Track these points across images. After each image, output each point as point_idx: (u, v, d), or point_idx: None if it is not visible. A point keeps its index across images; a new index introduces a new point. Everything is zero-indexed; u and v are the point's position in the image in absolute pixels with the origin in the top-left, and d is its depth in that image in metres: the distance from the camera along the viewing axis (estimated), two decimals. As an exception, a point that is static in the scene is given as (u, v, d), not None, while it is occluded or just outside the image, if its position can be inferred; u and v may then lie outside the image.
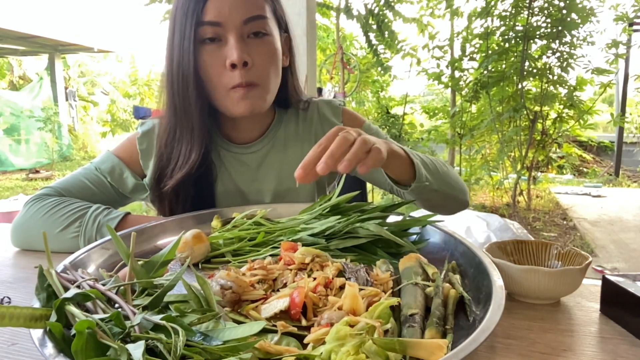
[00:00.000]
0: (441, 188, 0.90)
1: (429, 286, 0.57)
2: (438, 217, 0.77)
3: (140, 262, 0.58)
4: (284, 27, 1.00)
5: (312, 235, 0.75)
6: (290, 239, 0.75)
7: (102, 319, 0.44)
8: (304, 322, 0.52)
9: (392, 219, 0.79)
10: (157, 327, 0.43)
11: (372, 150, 0.62)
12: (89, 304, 0.49)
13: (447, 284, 0.57)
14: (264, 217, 0.85)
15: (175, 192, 0.95)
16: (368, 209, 0.79)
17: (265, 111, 0.99)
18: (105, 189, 1.00)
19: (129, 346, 0.39)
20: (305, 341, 0.47)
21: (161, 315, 0.44)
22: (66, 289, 0.50)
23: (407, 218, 0.78)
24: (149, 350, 0.42)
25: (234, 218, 0.85)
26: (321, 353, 0.43)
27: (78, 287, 0.51)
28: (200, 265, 0.75)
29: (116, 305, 0.50)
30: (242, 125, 1.03)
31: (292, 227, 0.80)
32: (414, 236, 0.76)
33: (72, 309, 0.46)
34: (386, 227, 0.74)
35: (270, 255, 0.73)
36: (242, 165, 1.03)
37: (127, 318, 0.46)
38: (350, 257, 0.70)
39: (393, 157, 0.74)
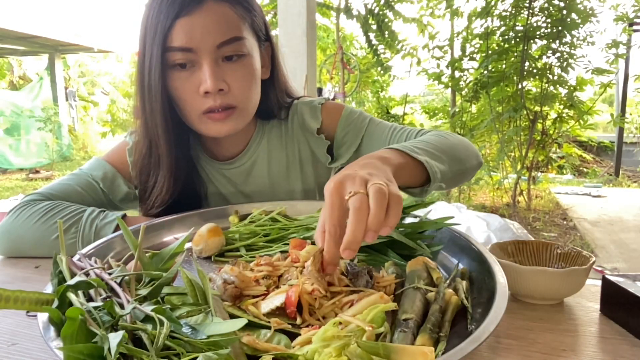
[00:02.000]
0: (455, 169, 0.82)
1: (431, 291, 0.56)
2: (455, 219, 0.74)
3: (148, 254, 0.58)
4: (263, 38, 0.93)
5: None
6: (301, 237, 0.75)
7: (95, 307, 0.45)
8: (298, 321, 0.52)
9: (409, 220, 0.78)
10: (148, 318, 0.44)
11: (391, 198, 0.52)
12: (91, 292, 0.50)
13: (450, 290, 0.56)
14: (282, 213, 0.86)
15: (160, 214, 0.92)
16: None
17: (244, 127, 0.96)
18: (97, 195, 0.96)
19: (110, 335, 0.40)
20: (293, 344, 0.47)
21: (153, 307, 0.44)
22: (74, 276, 0.52)
23: (424, 220, 0.76)
24: (137, 340, 0.43)
25: (251, 213, 0.87)
26: (306, 352, 0.44)
27: (86, 274, 0.52)
28: (212, 258, 0.77)
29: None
30: (223, 142, 1.00)
31: (306, 225, 0.80)
32: (430, 239, 0.75)
33: (71, 296, 0.48)
34: (401, 229, 0.73)
35: (281, 251, 0.74)
36: (228, 182, 1.02)
37: (124, 307, 0.47)
38: (361, 257, 0.70)
39: (398, 172, 0.64)
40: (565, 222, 4.53)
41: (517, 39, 4.22)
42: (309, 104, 1.04)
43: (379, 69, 4.79)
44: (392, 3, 4.39)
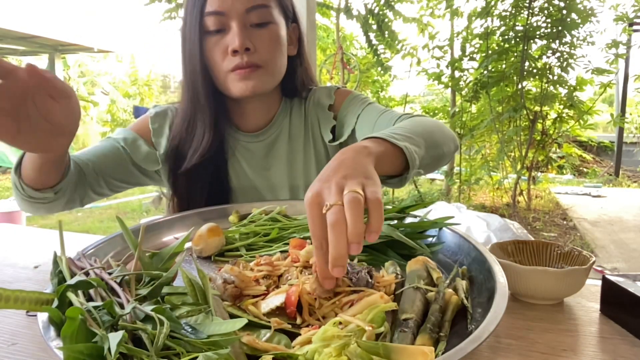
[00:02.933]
0: (432, 153, 0.81)
1: (431, 291, 0.56)
2: (455, 219, 0.74)
3: (148, 254, 0.58)
4: (291, 18, 1.02)
5: None
6: (302, 236, 0.75)
7: (95, 307, 0.45)
8: (298, 321, 0.52)
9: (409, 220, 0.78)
10: (148, 318, 0.44)
11: (370, 203, 0.50)
12: (91, 292, 0.50)
13: (450, 290, 0.56)
14: (282, 213, 0.86)
15: (191, 178, 0.99)
16: (385, 209, 0.79)
17: (270, 97, 1.04)
18: (118, 153, 1.00)
19: (110, 335, 0.40)
20: (293, 344, 0.47)
21: (153, 306, 0.44)
22: (74, 276, 0.52)
23: (424, 220, 0.77)
24: (137, 340, 0.43)
25: (251, 213, 0.87)
26: (306, 352, 0.44)
27: (86, 274, 0.52)
28: (212, 258, 0.77)
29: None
30: (249, 113, 1.05)
31: (306, 225, 0.80)
32: (430, 239, 0.75)
33: (71, 295, 0.48)
34: (401, 229, 0.73)
35: (281, 251, 0.74)
36: (251, 154, 1.06)
37: (124, 307, 0.47)
38: (361, 257, 0.70)
39: (379, 161, 0.62)
40: (565, 222, 4.53)
41: (517, 39, 4.22)
42: (325, 88, 1.12)
43: (379, 69, 4.78)
44: (392, 3, 4.39)
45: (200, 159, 0.98)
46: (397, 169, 0.72)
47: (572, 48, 4.09)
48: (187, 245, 0.78)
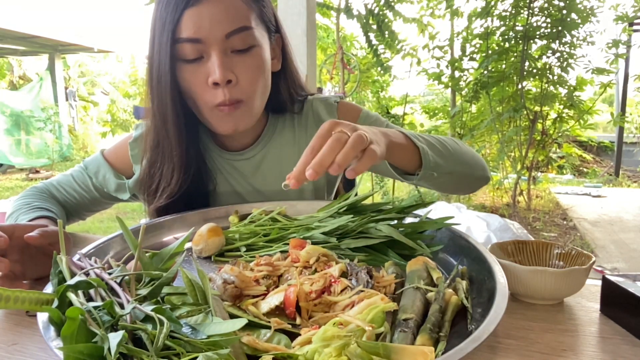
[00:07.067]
0: (455, 169, 0.84)
1: (431, 291, 0.56)
2: (455, 219, 0.74)
3: (148, 254, 0.58)
4: (273, 29, 0.92)
5: (324, 233, 0.75)
6: (301, 237, 0.75)
7: (95, 307, 0.45)
8: (298, 321, 0.52)
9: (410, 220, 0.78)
10: (148, 318, 0.44)
11: (366, 151, 0.59)
12: (91, 292, 0.50)
13: (450, 290, 0.56)
14: (282, 213, 0.86)
15: (167, 206, 0.93)
16: (385, 209, 0.79)
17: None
18: (89, 189, 1.04)
19: (110, 335, 0.40)
20: (293, 344, 0.47)
21: (153, 306, 0.44)
22: (74, 276, 0.52)
23: (424, 220, 0.77)
24: (137, 340, 0.43)
25: (251, 213, 0.87)
26: (306, 352, 0.44)
27: (86, 274, 0.52)
28: (212, 258, 0.77)
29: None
30: (233, 134, 0.98)
31: (306, 225, 0.80)
32: (430, 239, 0.75)
33: (71, 295, 0.48)
34: (401, 229, 0.73)
35: (281, 251, 0.74)
36: (238, 173, 1.02)
37: (124, 307, 0.47)
38: (361, 257, 0.70)
39: (394, 149, 0.70)
40: (565, 222, 4.53)
41: (517, 39, 4.22)
42: (324, 101, 1.04)
43: (379, 69, 4.78)
44: (392, 3, 4.39)
45: (169, 199, 0.91)
46: (410, 165, 0.78)
47: (572, 48, 4.09)
48: (187, 245, 0.78)
